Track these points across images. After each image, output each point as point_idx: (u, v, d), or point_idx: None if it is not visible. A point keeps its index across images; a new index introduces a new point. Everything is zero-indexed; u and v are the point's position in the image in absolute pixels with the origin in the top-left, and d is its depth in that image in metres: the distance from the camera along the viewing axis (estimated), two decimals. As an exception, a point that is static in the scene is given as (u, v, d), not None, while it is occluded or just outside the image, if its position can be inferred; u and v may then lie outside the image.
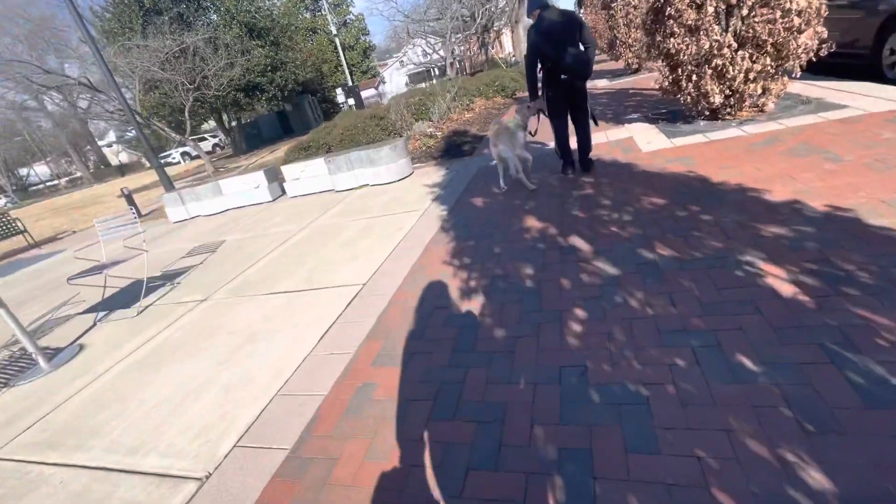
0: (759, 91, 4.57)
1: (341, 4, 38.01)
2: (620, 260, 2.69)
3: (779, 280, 2.13)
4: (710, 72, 4.59)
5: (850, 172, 2.98)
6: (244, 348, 2.92)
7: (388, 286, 3.20)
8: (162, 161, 32.02)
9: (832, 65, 5.72)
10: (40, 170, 45.34)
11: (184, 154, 31.75)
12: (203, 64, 16.27)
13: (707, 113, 5.11)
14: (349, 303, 3.13)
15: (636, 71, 11.53)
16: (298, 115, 27.14)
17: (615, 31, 11.44)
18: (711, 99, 4.69)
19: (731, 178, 3.38)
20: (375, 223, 4.84)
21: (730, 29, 4.37)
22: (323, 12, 34.98)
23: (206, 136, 32.98)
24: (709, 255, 2.49)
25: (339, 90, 27.37)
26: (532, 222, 3.63)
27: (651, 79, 9.66)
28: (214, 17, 20.36)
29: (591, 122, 4.37)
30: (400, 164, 6.47)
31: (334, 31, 31.53)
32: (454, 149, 7.83)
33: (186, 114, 15.67)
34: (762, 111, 4.87)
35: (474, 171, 5.91)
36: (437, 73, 39.72)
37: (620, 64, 12.43)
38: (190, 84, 15.86)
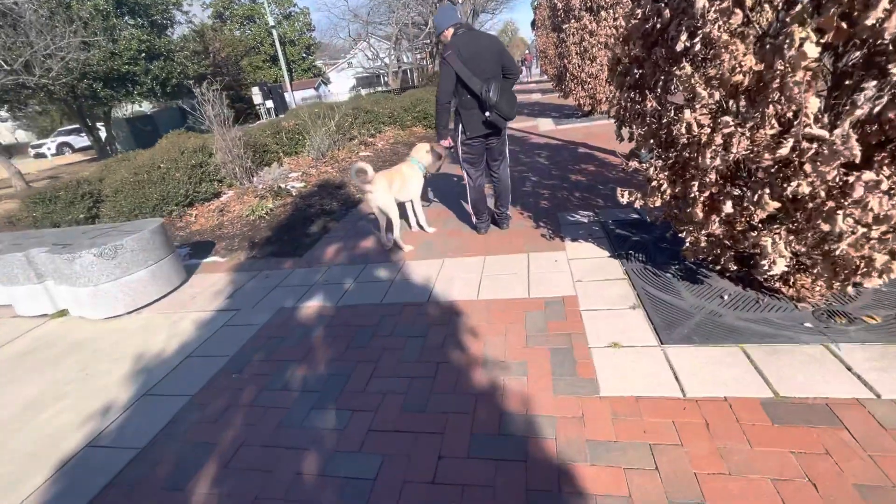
0: (881, 263, 1.84)
1: (284, -6, 33.94)
2: None
3: None
4: (772, 203, 1.81)
5: None
6: None
7: None
8: (34, 151, 26.00)
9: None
10: None
11: (62, 146, 25.66)
12: (37, 39, 11.98)
13: (733, 267, 2.37)
14: None
15: (589, 114, 9.03)
16: (202, 112, 22.73)
17: (566, 61, 8.83)
18: (769, 264, 1.91)
19: None
20: None
21: (846, 119, 1.57)
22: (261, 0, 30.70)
23: (77, 128, 26.52)
24: None
25: (255, 89, 23.20)
26: None
27: (610, 128, 7.09)
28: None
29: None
30: (133, 282, 3.20)
31: (272, 23, 27.53)
32: (296, 228, 4.68)
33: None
34: (854, 297, 2.18)
35: (265, 320, 2.81)
36: (386, 79, 36.36)
37: (571, 101, 9.90)
38: (7, 65, 11.54)
